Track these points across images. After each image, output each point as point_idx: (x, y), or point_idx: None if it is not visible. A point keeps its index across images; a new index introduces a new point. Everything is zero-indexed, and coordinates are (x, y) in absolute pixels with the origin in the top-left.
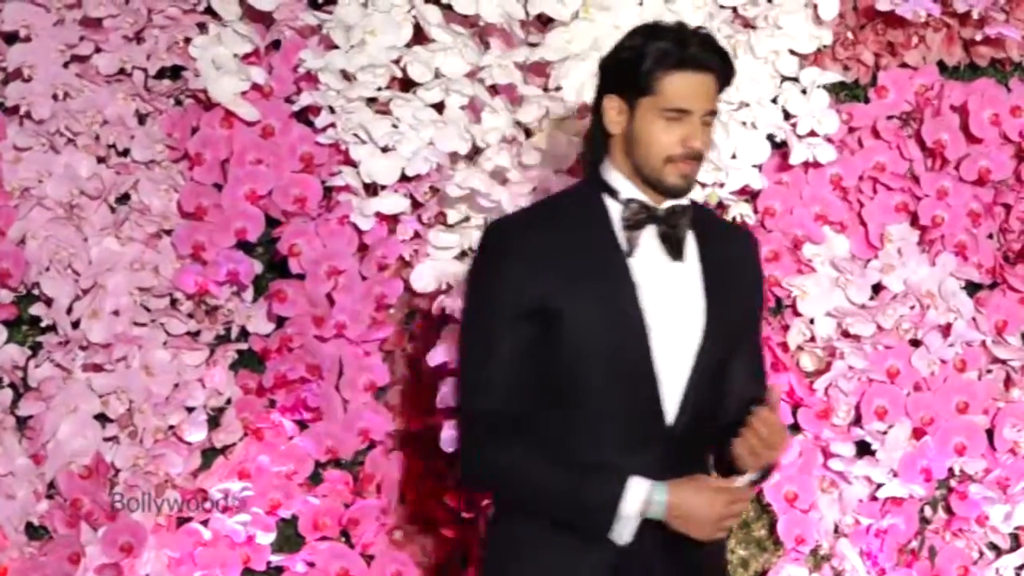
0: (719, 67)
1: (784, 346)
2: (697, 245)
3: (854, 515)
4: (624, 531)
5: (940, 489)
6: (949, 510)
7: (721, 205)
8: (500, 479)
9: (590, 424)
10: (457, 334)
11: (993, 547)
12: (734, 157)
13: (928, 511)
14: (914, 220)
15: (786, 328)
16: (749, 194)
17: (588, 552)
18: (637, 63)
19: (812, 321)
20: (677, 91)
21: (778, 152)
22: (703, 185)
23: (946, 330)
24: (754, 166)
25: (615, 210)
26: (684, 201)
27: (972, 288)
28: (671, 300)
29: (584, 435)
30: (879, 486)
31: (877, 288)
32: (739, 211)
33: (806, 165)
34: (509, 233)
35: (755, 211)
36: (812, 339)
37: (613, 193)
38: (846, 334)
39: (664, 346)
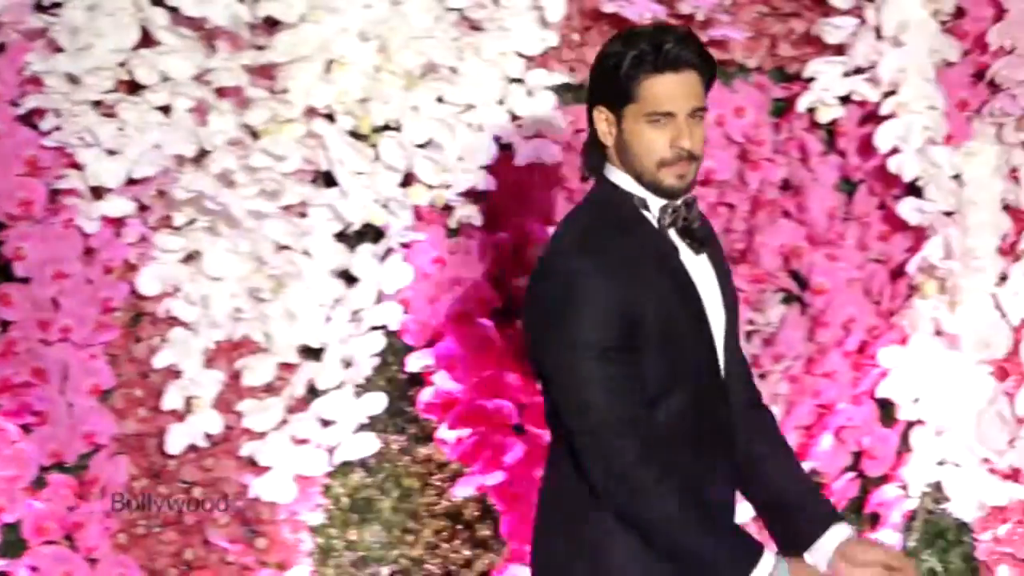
0: (699, 63)
1: None
2: None
3: None
4: None
5: None
6: None
7: (448, 207)
8: (638, 512)
9: (681, 414)
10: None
11: None
12: (460, 159)
13: None
14: None
15: None
16: (476, 195)
17: None
18: (616, 71)
19: None
20: (657, 95)
21: (504, 153)
22: (430, 186)
23: None
24: (481, 167)
25: (648, 214)
26: (690, 197)
27: None
28: (707, 291)
29: (673, 421)
30: None
31: None
32: (466, 212)
33: (532, 166)
34: (588, 255)
35: (482, 212)
36: None
37: (632, 197)
38: None
39: (716, 333)
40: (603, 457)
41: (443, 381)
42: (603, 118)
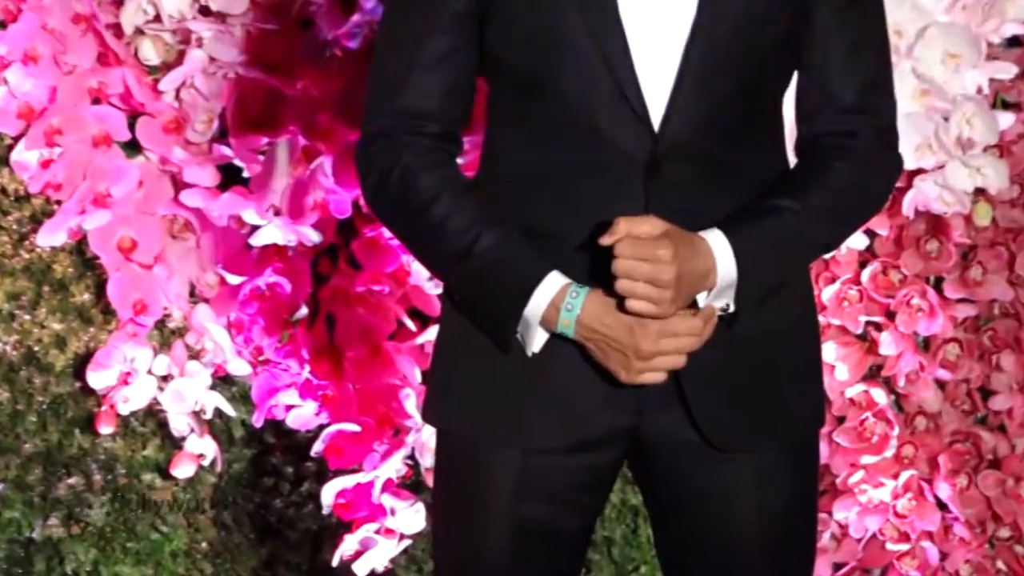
0: None
1: (117, 29)
2: None
3: (218, 272)
4: (531, 338)
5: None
6: None
7: None
8: (405, 217)
9: (550, 129)
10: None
11: None
12: None
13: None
14: None
15: (119, 3)
16: None
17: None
18: None
19: None
20: None
21: None
22: None
23: None
24: None
25: None
26: None
27: None
28: None
29: (543, 146)
30: (255, 229)
31: None
32: None
33: None
34: None
35: None
36: (157, 18)
37: None
38: (207, 11)
39: (642, 22)
40: (376, 126)
41: None
42: None
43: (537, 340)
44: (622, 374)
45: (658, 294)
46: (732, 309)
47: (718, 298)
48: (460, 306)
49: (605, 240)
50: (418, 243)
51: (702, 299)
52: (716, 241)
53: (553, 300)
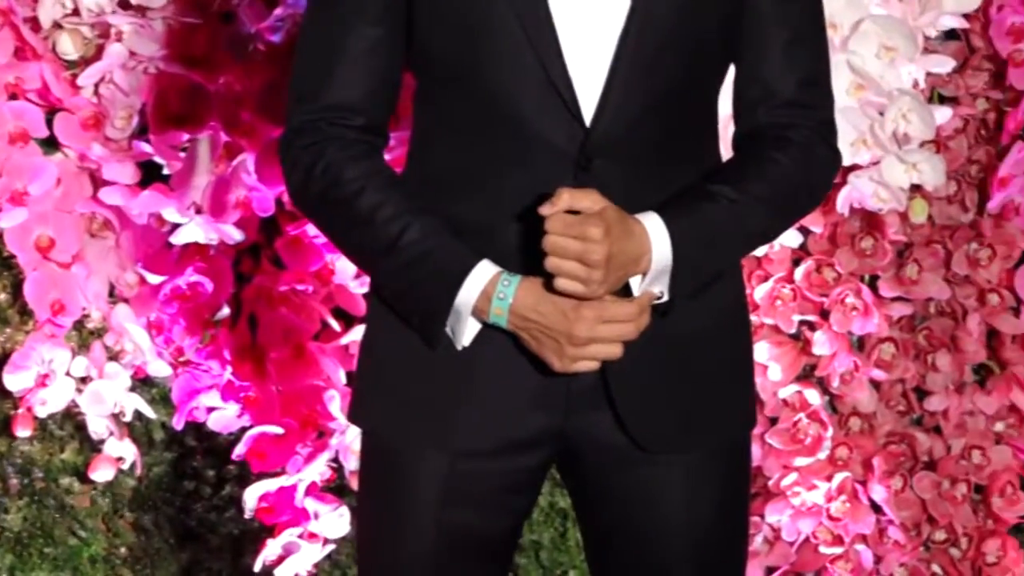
0: None
1: (34, 23)
2: None
3: (138, 271)
4: (462, 330)
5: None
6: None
7: None
8: (330, 210)
9: (479, 123)
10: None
11: None
12: None
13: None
14: None
15: None
16: None
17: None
18: None
19: None
20: None
21: None
22: None
23: None
24: None
25: None
26: None
27: None
28: None
29: (471, 140)
30: (176, 227)
31: None
32: None
33: None
34: None
35: None
36: (76, 12)
37: None
38: (126, 5)
39: (574, 9)
40: (299, 120)
41: None
42: None
43: (468, 332)
44: (555, 362)
45: (587, 273)
46: (666, 298)
47: (652, 284)
48: (388, 301)
49: (544, 209)
50: (344, 236)
51: (635, 284)
52: (652, 224)
53: (485, 289)
